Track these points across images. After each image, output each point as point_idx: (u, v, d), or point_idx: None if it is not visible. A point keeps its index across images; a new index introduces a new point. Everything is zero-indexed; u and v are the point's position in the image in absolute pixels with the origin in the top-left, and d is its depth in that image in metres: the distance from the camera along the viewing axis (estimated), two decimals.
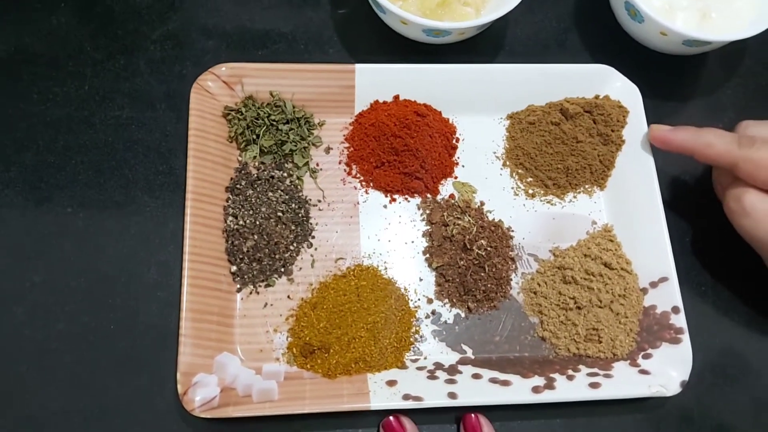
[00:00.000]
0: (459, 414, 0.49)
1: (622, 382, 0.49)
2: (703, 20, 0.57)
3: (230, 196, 0.53)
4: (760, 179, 0.47)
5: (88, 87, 0.57)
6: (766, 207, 0.47)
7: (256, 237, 0.51)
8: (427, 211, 0.55)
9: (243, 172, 0.54)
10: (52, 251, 0.51)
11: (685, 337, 0.50)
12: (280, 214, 0.52)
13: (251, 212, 0.52)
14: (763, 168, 0.46)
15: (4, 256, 0.51)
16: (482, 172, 0.57)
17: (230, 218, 0.51)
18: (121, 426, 0.47)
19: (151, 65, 0.58)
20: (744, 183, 0.48)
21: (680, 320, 0.50)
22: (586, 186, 0.57)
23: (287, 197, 0.53)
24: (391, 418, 0.47)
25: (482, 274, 0.52)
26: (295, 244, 0.52)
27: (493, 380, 0.48)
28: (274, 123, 0.54)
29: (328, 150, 0.56)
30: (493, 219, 0.55)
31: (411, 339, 0.51)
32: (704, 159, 0.50)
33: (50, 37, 0.58)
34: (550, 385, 0.48)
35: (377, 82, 0.56)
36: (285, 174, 0.54)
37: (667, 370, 0.49)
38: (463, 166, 0.57)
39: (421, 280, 0.53)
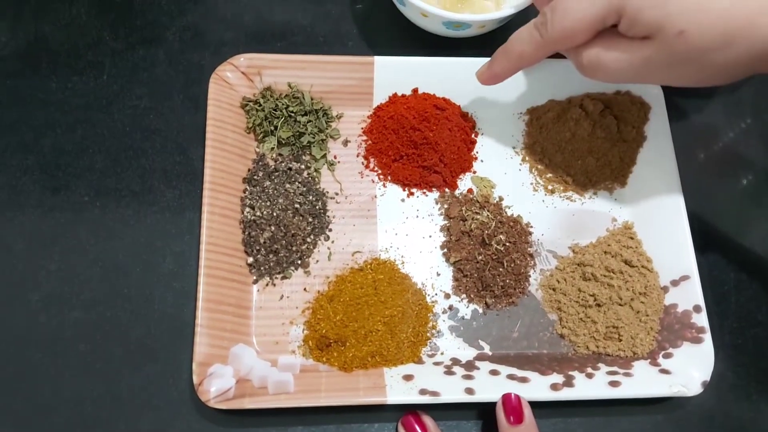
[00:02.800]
0: (478, 409, 0.48)
1: (642, 382, 0.48)
2: None
3: (247, 187, 0.52)
4: (575, 42, 0.46)
5: (106, 77, 0.57)
6: (598, 56, 0.45)
7: (273, 228, 0.50)
8: (445, 206, 0.54)
9: (260, 163, 0.53)
10: (68, 239, 0.51)
11: (707, 337, 0.49)
12: (297, 205, 0.52)
13: (268, 204, 0.51)
14: (569, 35, 0.45)
15: (21, 243, 0.50)
16: (501, 167, 0.56)
17: (247, 209, 0.51)
18: (135, 415, 0.46)
19: (170, 56, 0.58)
20: (571, 53, 0.48)
21: (702, 319, 0.49)
22: (607, 182, 0.56)
23: (305, 189, 0.53)
24: (410, 415, 0.46)
25: (500, 269, 0.51)
26: (312, 237, 0.52)
27: (511, 377, 0.47)
28: (292, 115, 0.54)
29: (346, 143, 0.56)
30: (512, 214, 0.54)
31: (428, 334, 0.50)
32: (527, 65, 0.50)
33: (69, 27, 0.58)
34: (569, 382, 0.47)
35: (396, 74, 0.55)
36: (303, 166, 0.54)
37: (688, 370, 0.48)
38: (481, 161, 0.56)
39: (438, 275, 0.52)
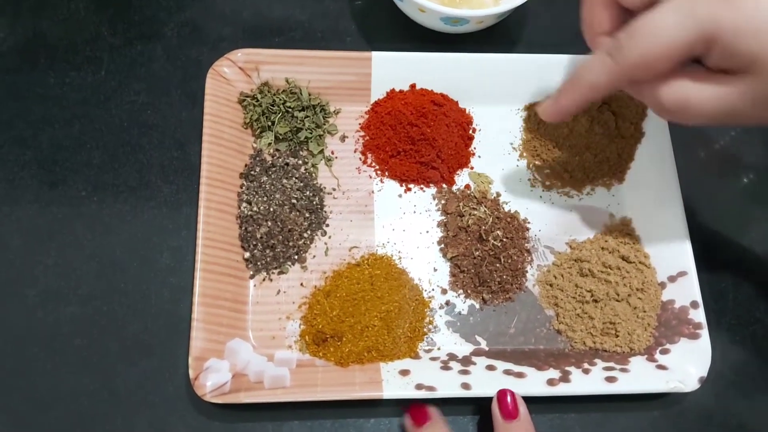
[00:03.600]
0: (475, 405, 0.48)
1: (639, 377, 0.48)
2: None
3: (244, 183, 0.52)
4: (656, 73, 0.40)
5: (104, 72, 0.57)
6: (687, 95, 0.39)
7: (269, 224, 0.50)
8: (443, 201, 0.54)
9: (258, 158, 0.53)
10: (65, 234, 0.51)
11: (704, 333, 0.49)
12: (294, 201, 0.52)
13: (265, 199, 0.51)
14: (649, 63, 0.39)
15: (18, 239, 0.51)
16: (499, 163, 0.56)
17: (244, 204, 0.51)
18: (131, 410, 0.46)
19: (168, 51, 0.58)
20: (650, 90, 0.41)
21: (699, 315, 0.49)
22: (604, 178, 0.56)
23: (302, 185, 0.53)
24: (417, 406, 0.46)
25: (497, 265, 0.51)
26: (309, 232, 0.52)
27: (508, 372, 0.47)
28: (290, 110, 0.54)
29: (343, 138, 0.56)
30: (510, 210, 0.54)
31: (425, 329, 0.50)
32: (599, 97, 0.44)
33: (68, 22, 0.58)
34: (565, 378, 0.47)
35: (394, 70, 0.55)
36: (300, 161, 0.54)
37: (685, 366, 0.48)
38: (479, 157, 0.56)
39: (435, 270, 0.52)
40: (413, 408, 0.46)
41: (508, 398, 0.45)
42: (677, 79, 0.39)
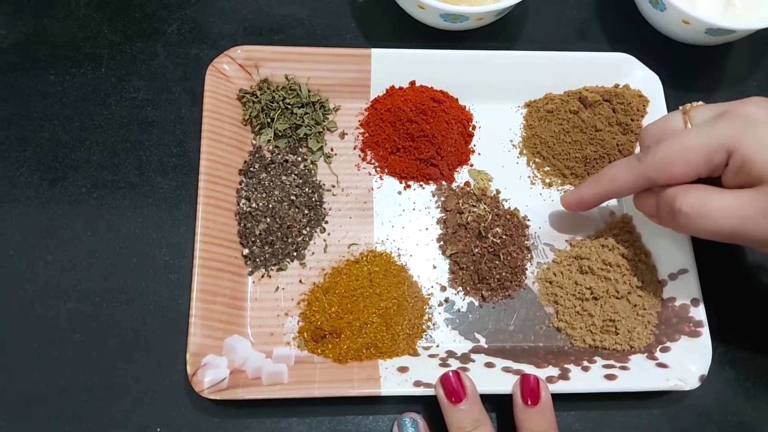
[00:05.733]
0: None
1: (639, 375, 0.47)
2: (727, 8, 0.56)
3: (243, 179, 0.52)
4: (674, 174, 0.43)
5: (104, 69, 0.57)
6: (704, 200, 0.42)
7: (268, 220, 0.50)
8: (442, 198, 0.54)
9: (257, 155, 0.53)
10: (65, 231, 0.51)
11: (705, 331, 0.48)
12: (293, 197, 0.52)
13: (264, 195, 0.51)
14: (670, 162, 0.43)
15: (18, 235, 0.51)
16: (499, 160, 0.56)
17: (243, 201, 0.51)
18: (129, 406, 0.46)
19: (168, 48, 0.58)
20: (668, 192, 0.44)
21: (700, 313, 0.49)
22: None
23: (301, 181, 0.53)
24: (450, 373, 0.45)
25: (497, 262, 0.51)
26: (308, 229, 0.52)
27: (507, 369, 0.47)
28: (289, 107, 0.54)
29: (343, 135, 0.56)
30: (509, 207, 0.54)
31: (423, 326, 0.50)
32: (618, 193, 0.48)
33: (68, 19, 0.58)
34: (564, 375, 0.47)
35: (394, 67, 0.55)
36: (299, 158, 0.54)
37: (685, 364, 0.48)
38: (479, 154, 0.56)
39: (434, 267, 0.52)
40: (448, 383, 0.44)
41: (531, 382, 0.45)
42: (694, 188, 0.43)
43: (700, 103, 0.46)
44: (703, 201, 0.42)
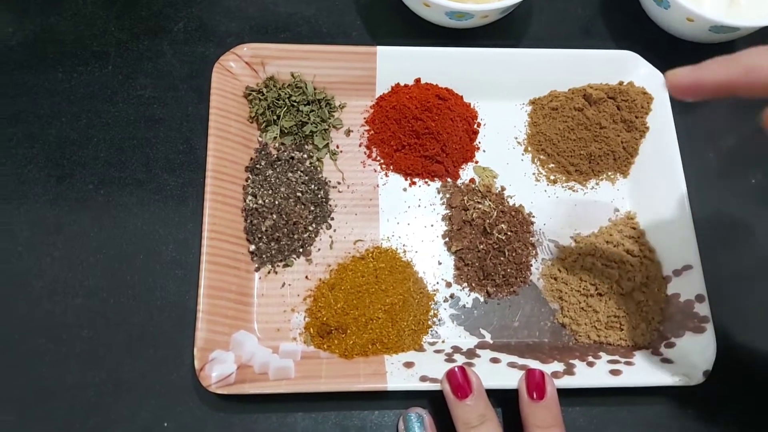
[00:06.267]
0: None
1: (644, 371, 0.48)
2: (731, 6, 0.56)
3: (250, 176, 0.52)
4: None
5: (111, 67, 0.57)
6: None
7: (275, 216, 0.51)
8: (447, 195, 0.54)
9: (263, 152, 0.54)
10: (73, 227, 0.51)
11: (709, 326, 0.49)
12: (299, 194, 0.52)
13: (270, 192, 0.52)
14: None
15: (26, 231, 0.51)
16: (503, 157, 0.56)
17: (249, 197, 0.51)
18: (137, 401, 0.47)
19: (175, 46, 0.58)
20: None
21: (704, 309, 0.49)
22: (609, 173, 0.56)
23: (307, 178, 0.53)
24: (456, 368, 0.45)
25: (502, 258, 0.51)
26: (314, 225, 0.52)
27: (512, 365, 0.47)
28: (295, 104, 0.54)
29: (348, 132, 0.56)
30: (514, 204, 0.54)
31: (429, 322, 0.50)
32: (750, 90, 0.36)
33: (76, 17, 0.59)
34: (569, 371, 0.47)
35: (399, 65, 0.56)
36: (305, 155, 0.54)
37: (690, 360, 0.48)
38: (484, 151, 0.56)
39: (440, 263, 0.52)
40: (454, 378, 0.44)
41: (537, 376, 0.45)
42: None
43: None
44: None
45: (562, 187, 0.56)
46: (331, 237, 0.52)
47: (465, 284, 0.52)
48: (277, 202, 0.51)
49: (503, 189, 0.55)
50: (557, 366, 0.47)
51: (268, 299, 0.50)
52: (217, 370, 0.45)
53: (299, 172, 0.53)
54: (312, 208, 0.52)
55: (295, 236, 0.51)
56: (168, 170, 0.54)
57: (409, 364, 0.47)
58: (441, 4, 0.52)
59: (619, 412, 0.49)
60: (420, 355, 0.48)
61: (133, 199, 0.53)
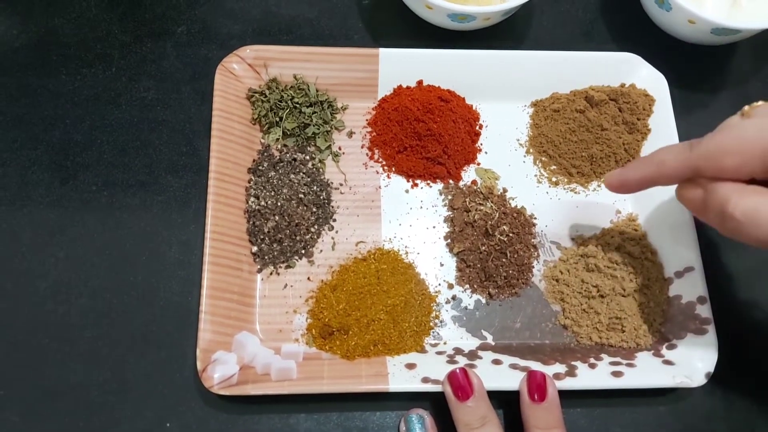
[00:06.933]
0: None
1: (646, 372, 0.48)
2: (733, 8, 0.56)
3: (252, 177, 0.53)
4: (725, 166, 0.39)
5: (115, 69, 0.57)
6: (759, 206, 0.37)
7: (277, 218, 0.51)
8: (449, 197, 0.54)
9: (266, 153, 0.54)
10: (76, 228, 0.52)
11: (711, 328, 0.49)
12: (301, 195, 0.52)
13: (273, 193, 0.52)
14: (722, 152, 0.39)
15: (30, 232, 0.51)
16: (505, 159, 0.56)
17: (252, 199, 0.52)
18: (140, 401, 0.47)
19: (178, 48, 0.59)
20: (721, 193, 0.39)
21: (706, 310, 0.49)
22: None
23: (309, 180, 0.53)
24: (457, 370, 0.45)
25: (504, 260, 0.51)
26: (316, 227, 0.52)
27: (514, 366, 0.47)
28: (298, 106, 0.55)
29: (350, 134, 0.56)
30: (516, 206, 0.54)
31: (431, 323, 0.50)
32: (664, 180, 0.43)
33: (79, 19, 0.59)
34: (571, 372, 0.47)
35: (401, 67, 0.56)
36: (307, 157, 0.54)
37: (691, 361, 0.48)
38: (486, 153, 0.57)
39: (442, 265, 0.52)
40: (455, 380, 0.45)
41: (538, 378, 0.45)
42: (749, 191, 0.38)
43: (761, 102, 0.41)
44: (757, 209, 0.37)
45: (564, 188, 0.56)
46: (333, 238, 0.53)
47: (467, 286, 0.52)
48: (279, 204, 0.51)
49: (505, 191, 0.55)
50: (559, 367, 0.47)
51: (271, 300, 0.50)
52: (220, 371, 0.45)
53: (301, 174, 0.53)
54: (314, 210, 0.52)
55: (298, 238, 0.51)
56: (171, 172, 0.54)
57: (410, 366, 0.47)
58: (443, 6, 0.53)
59: (621, 414, 0.49)
60: (422, 356, 0.48)
61: (137, 200, 0.53)
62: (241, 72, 0.54)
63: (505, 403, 0.48)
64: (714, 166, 0.39)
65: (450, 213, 0.54)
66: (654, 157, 0.44)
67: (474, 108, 0.57)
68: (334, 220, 0.53)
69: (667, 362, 0.48)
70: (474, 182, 0.55)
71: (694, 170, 0.41)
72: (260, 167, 0.53)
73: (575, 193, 0.56)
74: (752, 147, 0.38)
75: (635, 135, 0.56)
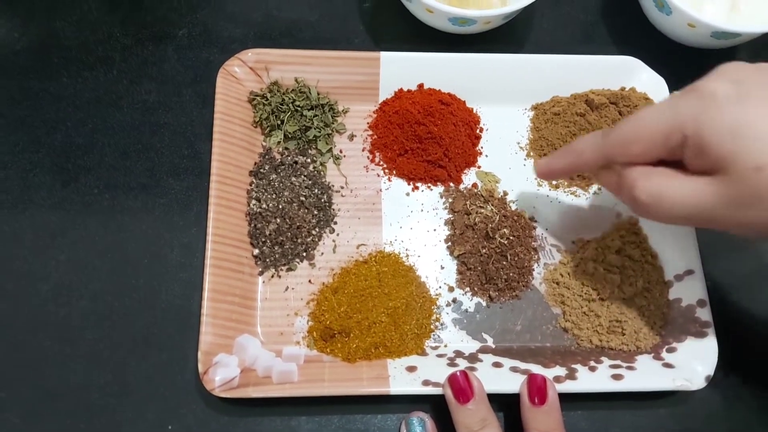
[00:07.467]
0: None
1: (646, 375, 0.48)
2: (732, 12, 0.57)
3: (254, 180, 0.53)
4: (632, 153, 0.41)
5: (116, 72, 0.57)
6: (661, 189, 0.40)
7: (278, 221, 0.51)
8: (450, 200, 0.55)
9: (267, 156, 0.54)
10: (78, 231, 0.52)
11: (711, 331, 0.49)
12: (302, 198, 0.52)
13: (274, 196, 0.52)
14: (627, 141, 0.41)
15: (31, 235, 0.51)
16: (506, 162, 0.57)
17: (253, 202, 0.52)
18: (141, 404, 0.47)
19: (179, 51, 0.59)
20: (628, 178, 0.42)
21: (706, 314, 0.50)
22: None
23: (310, 182, 0.53)
24: (458, 373, 0.45)
25: (504, 263, 0.52)
26: (317, 229, 0.52)
27: (514, 369, 0.48)
28: (299, 109, 0.55)
29: (351, 137, 0.56)
30: (516, 209, 0.55)
31: (431, 326, 0.50)
32: (584, 167, 0.46)
33: (81, 22, 0.59)
34: (571, 375, 0.47)
35: (402, 70, 0.56)
36: (308, 160, 0.54)
37: (691, 364, 0.48)
38: (486, 156, 0.57)
39: (442, 268, 0.53)
40: (456, 383, 0.45)
41: (539, 381, 0.45)
42: (654, 174, 0.41)
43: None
44: (660, 191, 0.40)
45: (565, 191, 0.56)
46: (334, 241, 0.53)
47: (467, 288, 0.52)
48: (280, 207, 0.51)
49: (505, 194, 0.55)
50: (559, 370, 0.48)
51: (272, 303, 0.50)
52: (221, 374, 0.45)
53: (303, 177, 0.53)
54: (315, 213, 0.52)
55: (299, 240, 0.51)
56: (172, 175, 0.54)
57: (411, 368, 0.47)
58: (444, 10, 0.53)
59: (621, 417, 0.49)
60: (422, 359, 0.48)
61: (138, 203, 0.53)
62: (242, 75, 0.54)
63: (506, 406, 0.48)
64: (622, 153, 0.42)
65: (450, 216, 0.54)
66: (574, 147, 0.46)
67: (474, 111, 0.58)
68: (335, 223, 0.53)
69: (667, 365, 0.49)
70: (474, 185, 0.55)
71: (607, 158, 0.43)
72: (261, 170, 0.53)
73: (576, 196, 0.56)
74: (651, 133, 0.40)
75: None
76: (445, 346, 0.50)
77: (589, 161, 0.45)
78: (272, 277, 0.51)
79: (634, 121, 0.41)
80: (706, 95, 0.38)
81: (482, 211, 0.53)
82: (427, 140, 0.54)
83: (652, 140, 0.40)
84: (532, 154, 0.57)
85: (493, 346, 0.50)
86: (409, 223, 0.54)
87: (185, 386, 0.48)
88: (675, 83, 0.57)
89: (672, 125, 0.39)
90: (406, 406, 0.47)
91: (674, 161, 0.40)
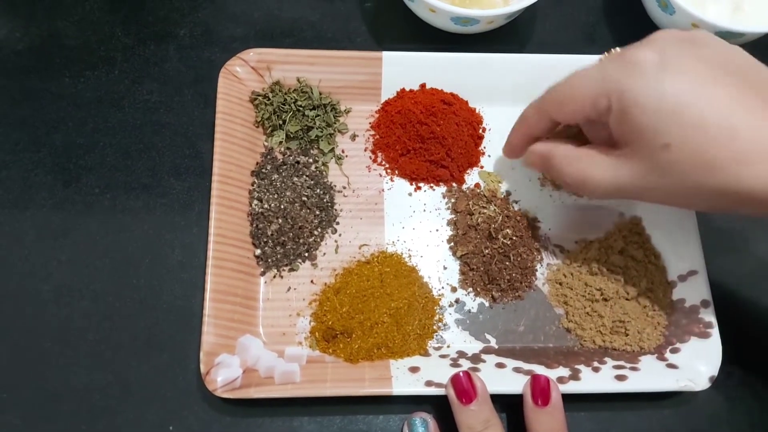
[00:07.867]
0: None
1: (649, 376, 0.48)
2: (736, 12, 0.57)
3: (256, 180, 0.53)
4: (565, 112, 0.44)
5: (118, 71, 0.57)
6: (583, 171, 0.43)
7: (280, 221, 0.51)
8: (452, 200, 0.54)
9: (269, 156, 0.54)
10: (79, 231, 0.52)
11: (715, 332, 0.49)
12: (304, 198, 0.52)
13: (276, 196, 0.52)
14: (561, 100, 0.44)
15: (32, 235, 0.51)
16: (508, 162, 0.56)
17: (255, 202, 0.52)
18: (143, 404, 0.47)
19: (181, 51, 0.59)
20: (554, 161, 0.46)
21: (709, 314, 0.49)
22: None
23: (312, 182, 0.53)
24: (460, 373, 0.45)
25: (507, 263, 0.51)
26: (319, 230, 0.52)
27: (517, 369, 0.47)
28: (301, 109, 0.55)
29: (353, 137, 0.56)
30: (519, 209, 0.54)
31: (434, 327, 0.50)
32: (535, 131, 0.48)
33: (82, 22, 0.59)
34: (575, 376, 0.47)
35: (404, 70, 0.56)
36: (310, 160, 0.54)
37: (695, 365, 0.48)
38: (489, 156, 0.57)
39: (445, 268, 0.52)
40: (458, 383, 0.44)
41: (542, 382, 0.45)
42: (576, 160, 0.44)
43: (618, 50, 0.44)
44: (584, 176, 0.43)
45: (568, 192, 0.56)
46: (336, 241, 0.52)
47: (470, 289, 0.52)
48: (282, 207, 0.51)
49: (508, 194, 0.55)
50: (563, 371, 0.47)
51: (274, 303, 0.50)
52: (223, 374, 0.45)
53: (305, 177, 0.53)
54: (317, 213, 0.52)
55: (301, 240, 0.51)
56: (174, 175, 0.54)
57: (414, 369, 0.47)
58: (447, 9, 0.53)
59: (625, 417, 0.49)
60: (425, 359, 0.48)
61: (140, 203, 0.53)
62: (244, 75, 0.54)
63: (509, 406, 0.48)
64: (557, 111, 0.44)
65: (453, 216, 0.54)
66: (522, 115, 0.49)
67: (477, 111, 0.57)
68: (338, 223, 0.53)
69: (671, 366, 0.48)
70: (477, 185, 0.55)
71: (546, 118, 0.46)
72: (263, 170, 0.53)
73: (578, 196, 0.56)
74: (582, 96, 0.42)
75: None
76: (448, 346, 0.50)
77: (535, 124, 0.47)
78: (274, 277, 0.51)
79: (567, 82, 0.43)
80: (633, 62, 0.39)
81: (485, 211, 0.53)
82: (430, 140, 0.54)
83: (582, 103, 0.42)
84: None
85: (496, 347, 0.50)
86: (411, 224, 0.54)
87: (187, 387, 0.47)
88: None
89: (598, 91, 0.40)
90: (409, 407, 0.47)
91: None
